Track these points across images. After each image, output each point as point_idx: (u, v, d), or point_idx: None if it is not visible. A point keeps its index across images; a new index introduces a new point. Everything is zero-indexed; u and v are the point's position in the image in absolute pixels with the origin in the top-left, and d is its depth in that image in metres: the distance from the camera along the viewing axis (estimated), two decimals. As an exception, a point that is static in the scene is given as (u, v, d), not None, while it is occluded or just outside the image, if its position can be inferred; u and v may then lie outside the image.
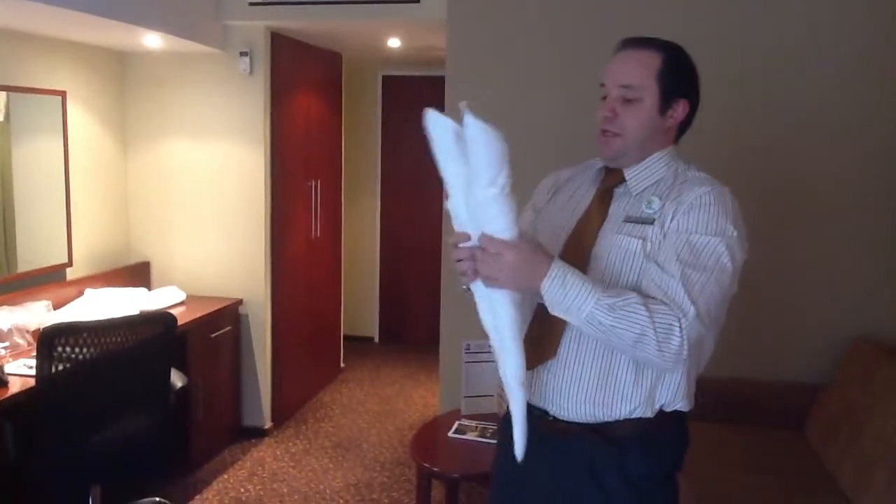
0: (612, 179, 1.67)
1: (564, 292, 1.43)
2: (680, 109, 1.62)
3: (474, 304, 1.66)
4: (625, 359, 1.56)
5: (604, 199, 1.66)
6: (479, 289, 1.52)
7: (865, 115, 3.24)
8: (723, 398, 3.27)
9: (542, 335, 1.62)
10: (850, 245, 3.30)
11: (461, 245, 1.50)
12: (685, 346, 1.43)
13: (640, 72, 1.59)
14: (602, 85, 1.64)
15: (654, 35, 1.65)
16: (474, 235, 1.47)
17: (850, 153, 3.26)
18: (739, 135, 3.30)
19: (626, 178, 1.64)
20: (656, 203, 1.58)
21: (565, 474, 1.63)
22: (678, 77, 1.61)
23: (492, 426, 3.08)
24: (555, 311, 1.45)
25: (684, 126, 1.67)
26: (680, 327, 1.42)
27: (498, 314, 1.50)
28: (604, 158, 1.69)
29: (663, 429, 1.62)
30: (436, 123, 1.45)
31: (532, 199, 1.86)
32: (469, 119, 1.39)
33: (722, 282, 1.49)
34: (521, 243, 1.45)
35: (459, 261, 1.50)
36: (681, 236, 1.52)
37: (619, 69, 1.62)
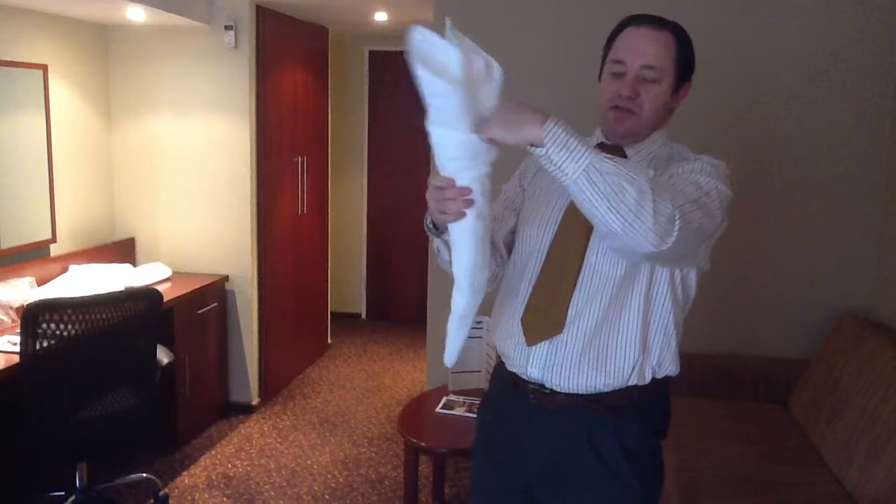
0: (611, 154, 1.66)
1: (568, 134, 1.32)
2: (685, 92, 1.65)
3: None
4: (626, 326, 1.57)
5: None
6: (455, 231, 1.48)
7: (850, 95, 3.24)
8: (709, 373, 3.29)
9: (547, 309, 1.61)
10: (837, 220, 3.31)
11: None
12: (676, 219, 1.34)
13: (663, 53, 1.58)
14: (618, 61, 1.60)
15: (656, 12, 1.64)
16: (460, 178, 1.40)
17: (835, 132, 3.27)
18: (726, 113, 3.30)
19: (629, 156, 1.63)
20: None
21: (564, 447, 1.63)
22: (687, 61, 1.62)
23: (479, 402, 3.09)
24: (553, 150, 1.32)
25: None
26: (672, 199, 1.36)
27: (458, 248, 1.48)
28: (613, 134, 1.65)
29: (653, 396, 1.64)
30: (430, 43, 1.30)
31: (518, 174, 1.84)
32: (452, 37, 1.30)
33: (708, 206, 1.44)
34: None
35: (446, 200, 1.42)
36: (666, 177, 1.53)
37: (642, 49, 1.58)
